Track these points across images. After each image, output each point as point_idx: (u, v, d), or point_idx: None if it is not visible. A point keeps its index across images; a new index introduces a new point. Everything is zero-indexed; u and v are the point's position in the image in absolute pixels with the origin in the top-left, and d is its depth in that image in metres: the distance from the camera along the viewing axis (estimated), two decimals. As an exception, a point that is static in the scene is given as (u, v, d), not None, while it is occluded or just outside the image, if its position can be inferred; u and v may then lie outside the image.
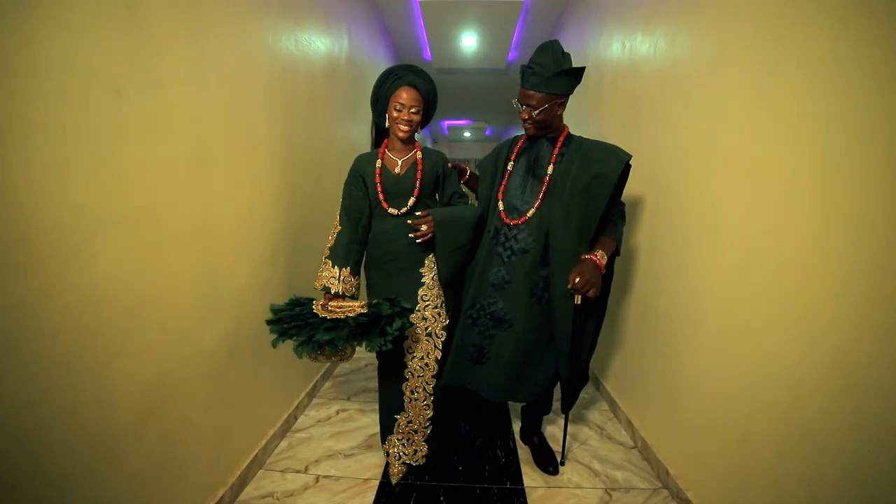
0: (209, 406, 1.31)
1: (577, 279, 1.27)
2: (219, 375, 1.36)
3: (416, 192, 1.46)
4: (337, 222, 1.47)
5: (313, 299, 1.42)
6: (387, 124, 1.45)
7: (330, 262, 1.43)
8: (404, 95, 1.41)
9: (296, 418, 1.95)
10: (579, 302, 1.33)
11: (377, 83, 1.44)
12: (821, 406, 0.95)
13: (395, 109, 1.41)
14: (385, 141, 1.51)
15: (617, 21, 2.20)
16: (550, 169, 1.40)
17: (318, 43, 2.11)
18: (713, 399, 1.32)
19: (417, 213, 1.42)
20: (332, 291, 1.41)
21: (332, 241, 1.44)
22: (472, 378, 1.53)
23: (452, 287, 1.57)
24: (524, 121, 1.39)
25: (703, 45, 1.42)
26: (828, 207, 0.94)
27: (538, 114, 1.34)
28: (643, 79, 1.86)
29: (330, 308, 1.37)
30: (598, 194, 1.33)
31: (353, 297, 1.47)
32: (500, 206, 1.46)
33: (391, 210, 1.46)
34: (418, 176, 1.46)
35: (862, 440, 0.86)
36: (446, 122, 7.86)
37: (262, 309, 1.62)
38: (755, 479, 1.13)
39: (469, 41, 3.80)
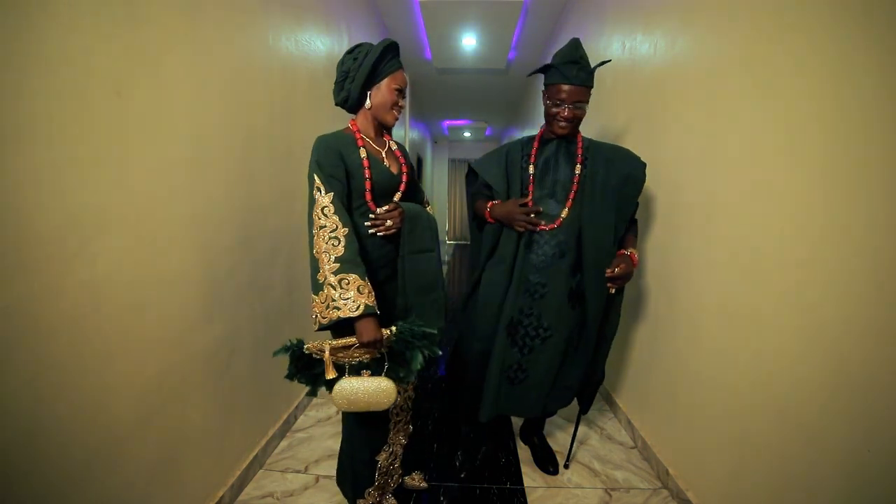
0: (209, 406, 1.31)
1: (618, 269, 1.31)
2: (219, 375, 1.36)
3: (402, 187, 1.25)
4: (337, 222, 1.06)
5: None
6: (368, 105, 1.17)
7: (356, 274, 1.04)
8: (404, 78, 1.20)
9: (296, 418, 1.95)
10: (614, 292, 1.38)
11: (375, 54, 1.12)
12: (821, 406, 0.95)
13: (395, 92, 1.17)
14: (351, 124, 1.21)
15: (617, 21, 2.20)
16: (578, 169, 1.38)
17: (318, 43, 2.11)
18: (713, 399, 1.32)
19: (385, 207, 1.18)
20: (378, 313, 1.07)
21: (344, 248, 1.04)
22: (508, 402, 1.46)
23: (415, 308, 1.23)
24: (563, 119, 1.33)
25: (702, 45, 1.42)
26: (828, 207, 0.94)
27: (582, 111, 1.33)
28: (643, 79, 1.86)
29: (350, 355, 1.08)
30: (629, 195, 1.40)
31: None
32: None
33: (379, 210, 1.19)
34: (404, 170, 1.26)
35: (862, 440, 0.86)
36: (446, 122, 7.86)
37: (262, 309, 1.62)
38: (755, 479, 1.13)
39: (469, 41, 3.80)
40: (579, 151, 1.40)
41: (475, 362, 1.49)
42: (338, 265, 1.03)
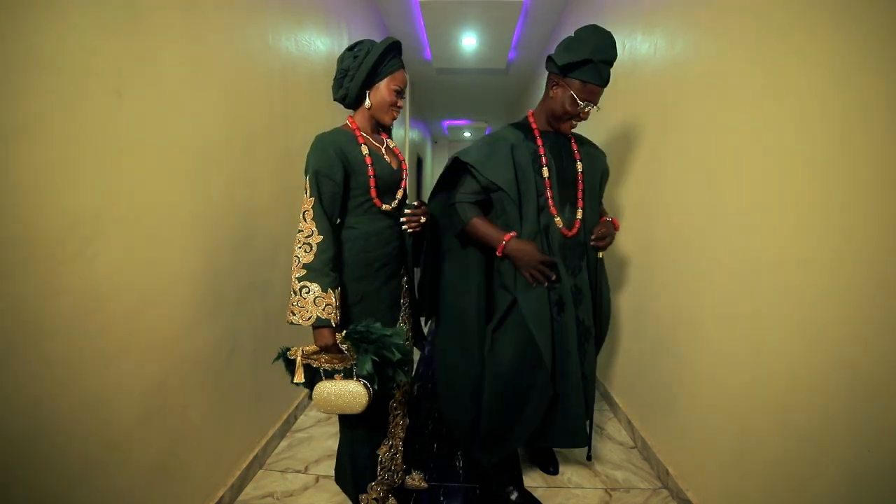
0: (209, 406, 1.31)
1: (602, 230, 1.32)
2: (219, 375, 1.36)
3: (403, 184, 1.26)
4: (313, 228, 1.08)
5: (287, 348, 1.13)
6: (367, 105, 1.17)
7: (318, 284, 1.05)
8: (404, 78, 1.20)
9: (296, 418, 1.95)
10: (601, 256, 1.39)
11: (375, 55, 1.12)
12: (821, 406, 0.95)
13: (394, 92, 1.18)
14: (350, 121, 1.21)
15: (617, 21, 2.20)
16: (581, 167, 1.34)
17: (318, 43, 2.11)
18: (713, 399, 1.32)
19: (414, 203, 1.23)
20: (333, 324, 1.06)
21: (313, 256, 1.06)
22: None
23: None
24: (580, 120, 1.29)
25: (703, 44, 1.42)
26: (828, 207, 0.94)
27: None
28: (643, 79, 1.86)
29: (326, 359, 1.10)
30: (602, 189, 1.42)
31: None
32: (560, 222, 1.29)
33: (385, 207, 1.20)
34: (404, 167, 1.28)
35: (862, 440, 0.86)
36: (446, 122, 7.86)
37: (262, 309, 1.62)
38: (755, 479, 1.13)
39: (469, 41, 3.80)
40: (574, 147, 1.36)
41: (525, 397, 1.32)
42: (304, 272, 1.05)
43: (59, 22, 0.81)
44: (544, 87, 1.35)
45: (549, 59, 1.28)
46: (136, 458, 1.03)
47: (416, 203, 1.24)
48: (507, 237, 1.26)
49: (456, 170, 1.38)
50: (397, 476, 1.38)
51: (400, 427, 1.37)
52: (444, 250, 1.46)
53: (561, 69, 1.24)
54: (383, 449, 1.31)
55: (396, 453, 1.36)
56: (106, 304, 0.92)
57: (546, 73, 1.35)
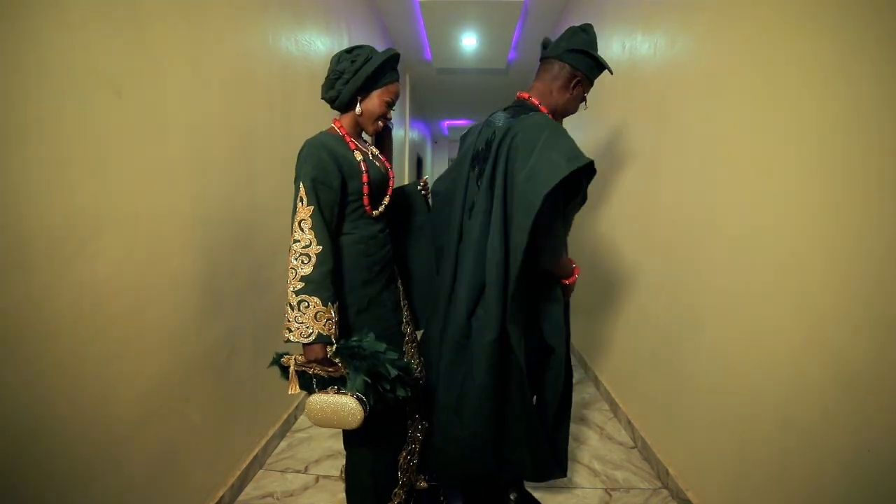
0: (209, 406, 1.31)
1: None
2: (219, 376, 1.36)
3: (389, 191, 1.24)
4: (311, 238, 1.02)
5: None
6: (358, 111, 1.17)
7: (319, 298, 0.98)
8: (398, 91, 1.21)
9: (296, 418, 1.95)
10: None
11: (374, 65, 1.11)
12: (821, 405, 0.95)
13: (385, 104, 1.17)
14: (338, 125, 1.20)
15: (617, 21, 2.20)
16: None
17: (318, 43, 2.11)
18: (713, 399, 1.32)
19: (424, 179, 1.39)
20: (334, 340, 1.01)
21: (313, 268, 1.00)
22: None
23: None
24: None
25: (702, 44, 1.42)
26: (828, 206, 0.94)
27: None
28: (643, 79, 1.86)
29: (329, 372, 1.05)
30: None
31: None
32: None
33: (374, 212, 1.19)
34: (391, 175, 1.27)
35: (863, 440, 0.86)
36: (446, 123, 7.87)
37: (262, 309, 1.62)
38: (755, 479, 1.13)
39: (469, 41, 3.80)
40: None
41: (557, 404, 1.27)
42: (302, 284, 0.98)
43: (59, 22, 0.81)
44: (552, 79, 1.20)
45: (587, 55, 1.16)
46: (136, 458, 1.03)
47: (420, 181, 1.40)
48: (574, 265, 1.18)
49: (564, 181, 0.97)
50: (413, 475, 1.37)
51: (418, 430, 1.36)
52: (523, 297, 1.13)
53: (598, 72, 1.18)
54: (403, 453, 1.29)
55: (413, 455, 1.35)
56: (106, 304, 0.92)
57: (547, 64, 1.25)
